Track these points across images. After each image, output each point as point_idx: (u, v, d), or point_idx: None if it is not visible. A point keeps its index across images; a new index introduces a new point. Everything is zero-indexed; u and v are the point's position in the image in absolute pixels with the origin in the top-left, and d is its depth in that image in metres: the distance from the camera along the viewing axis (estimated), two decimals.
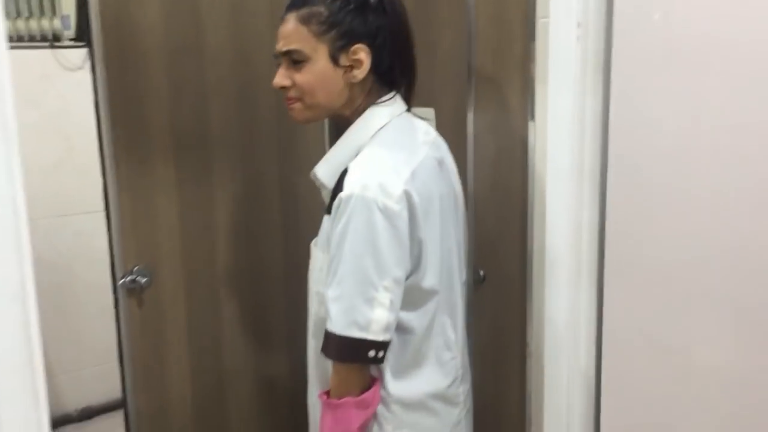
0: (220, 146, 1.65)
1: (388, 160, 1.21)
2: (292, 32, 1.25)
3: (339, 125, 1.31)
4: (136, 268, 1.53)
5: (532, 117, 1.27)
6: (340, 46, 1.23)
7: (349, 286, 1.18)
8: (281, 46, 1.26)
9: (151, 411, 1.63)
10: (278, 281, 1.79)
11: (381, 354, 1.19)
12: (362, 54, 1.23)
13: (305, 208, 1.79)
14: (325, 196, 1.30)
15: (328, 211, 1.24)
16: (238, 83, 1.66)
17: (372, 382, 1.24)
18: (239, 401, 1.78)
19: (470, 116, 1.47)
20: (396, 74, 1.28)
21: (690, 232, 1.01)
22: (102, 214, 1.51)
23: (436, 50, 1.61)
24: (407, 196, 1.16)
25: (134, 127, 1.52)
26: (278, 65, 1.29)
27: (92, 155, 1.51)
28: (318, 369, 1.32)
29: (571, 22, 1.15)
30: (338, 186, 1.21)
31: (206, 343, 1.68)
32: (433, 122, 2.20)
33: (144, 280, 1.53)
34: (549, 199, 1.22)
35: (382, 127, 1.26)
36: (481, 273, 1.48)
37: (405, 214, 1.16)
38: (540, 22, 1.28)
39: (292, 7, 1.27)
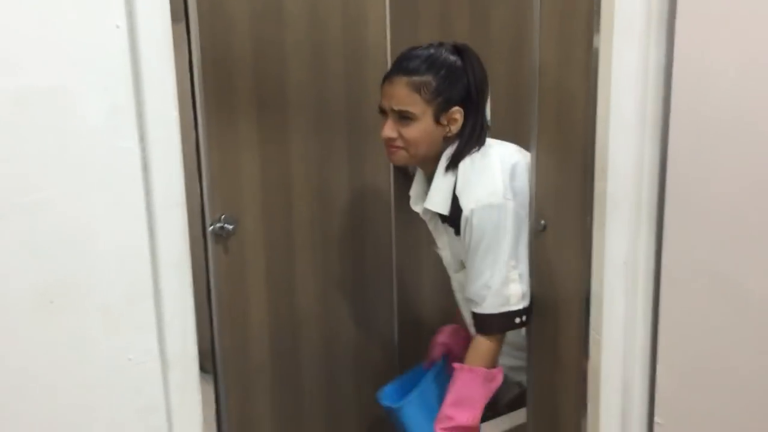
0: (296, 107, 1.78)
1: (484, 175, 1.54)
2: (404, 96, 1.50)
3: (419, 164, 1.62)
4: (223, 217, 1.67)
5: (596, 68, 1.36)
6: (442, 109, 1.52)
7: (491, 274, 1.51)
8: (393, 104, 1.51)
9: (234, 349, 1.78)
10: (346, 233, 1.92)
11: (525, 317, 1.56)
12: (458, 115, 1.53)
13: (371, 169, 1.92)
14: (432, 222, 1.65)
15: (457, 233, 1.56)
16: (311, 47, 1.78)
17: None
18: (310, 343, 1.92)
19: (535, 74, 1.57)
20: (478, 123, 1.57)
21: (748, 175, 1.10)
22: (194, 167, 1.65)
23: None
24: (512, 190, 1.53)
25: (222, 91, 1.66)
26: (383, 115, 1.55)
27: (187, 116, 1.64)
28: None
29: None
30: (454, 212, 1.54)
31: (282, 288, 1.82)
32: None
33: (231, 227, 1.67)
34: (611, 144, 1.31)
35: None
36: (542, 222, 1.58)
37: (511, 204, 1.52)
38: None
39: (402, 71, 1.52)
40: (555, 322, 1.63)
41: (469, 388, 1.55)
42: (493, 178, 1.54)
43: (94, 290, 0.78)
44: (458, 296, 1.73)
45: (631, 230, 1.29)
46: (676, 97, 1.18)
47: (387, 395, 1.72)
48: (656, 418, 1.28)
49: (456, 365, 1.57)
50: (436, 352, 1.79)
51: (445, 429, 1.52)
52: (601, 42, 1.36)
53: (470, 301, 1.57)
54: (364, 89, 1.85)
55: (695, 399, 1.21)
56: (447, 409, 1.53)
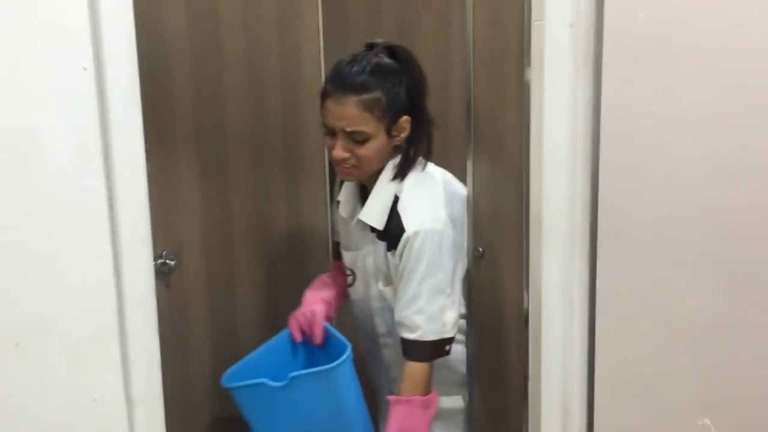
0: (235, 142, 1.80)
1: (429, 198, 1.52)
2: (356, 117, 1.43)
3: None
4: (164, 253, 1.66)
5: (528, 102, 1.44)
6: (392, 121, 1.47)
7: (426, 300, 1.48)
8: (345, 126, 1.44)
9: (175, 387, 1.75)
10: (287, 267, 1.94)
11: (448, 347, 1.54)
12: (406, 123, 1.50)
13: (309, 200, 1.95)
14: (361, 232, 1.58)
15: (389, 245, 1.52)
16: (249, 84, 1.81)
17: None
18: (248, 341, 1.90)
19: (471, 106, 1.64)
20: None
21: (674, 202, 1.18)
22: None
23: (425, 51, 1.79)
24: (450, 218, 1.51)
25: (162, 127, 1.66)
26: (329, 135, 1.48)
27: None
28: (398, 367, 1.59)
29: (564, 22, 1.33)
30: (391, 226, 1.50)
31: (224, 323, 1.82)
32: None
33: (172, 263, 1.66)
34: (545, 175, 1.38)
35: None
36: (480, 249, 1.64)
37: (451, 232, 1.51)
38: (534, 25, 1.45)
39: (350, 90, 1.43)
40: (494, 344, 1.69)
41: (410, 419, 1.51)
42: (437, 203, 1.53)
43: (60, 330, 0.78)
44: (374, 304, 1.65)
45: (566, 256, 1.36)
46: (605, 130, 1.27)
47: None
48: None
49: (391, 398, 1.52)
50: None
51: None
52: (533, 76, 1.43)
53: (401, 325, 1.53)
54: (300, 122, 1.90)
55: (634, 416, 1.29)
56: None
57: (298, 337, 1.62)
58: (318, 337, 1.59)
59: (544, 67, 1.38)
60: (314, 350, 1.63)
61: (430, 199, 1.53)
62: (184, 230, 1.71)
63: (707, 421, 1.19)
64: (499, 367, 1.69)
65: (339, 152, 1.46)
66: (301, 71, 1.89)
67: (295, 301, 1.96)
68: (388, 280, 1.58)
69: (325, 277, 1.74)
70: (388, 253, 1.54)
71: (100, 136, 0.78)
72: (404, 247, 1.48)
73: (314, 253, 1.98)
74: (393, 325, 1.59)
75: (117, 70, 0.78)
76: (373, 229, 1.56)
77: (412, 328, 1.50)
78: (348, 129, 1.44)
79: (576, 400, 1.41)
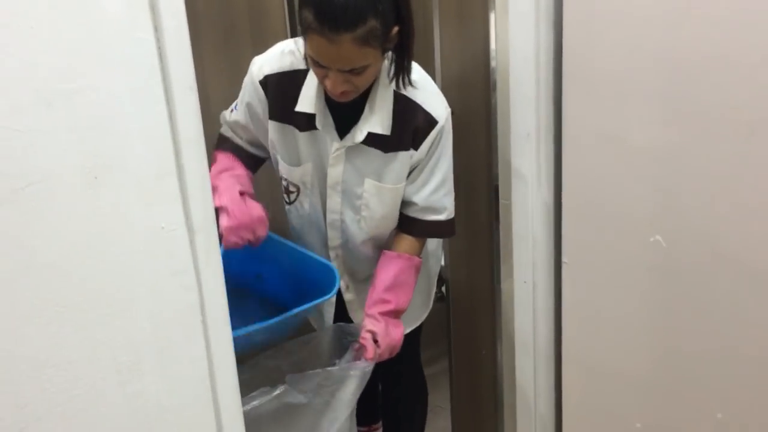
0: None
1: (431, 83, 1.56)
2: (355, 55, 1.32)
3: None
4: None
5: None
6: (385, 38, 1.38)
7: (451, 181, 1.59)
8: (343, 65, 1.33)
9: None
10: None
11: None
12: (396, 34, 1.42)
13: None
14: (323, 145, 1.55)
15: (394, 147, 1.52)
16: None
17: None
18: None
19: (436, 24, 1.70)
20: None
21: (629, 44, 1.32)
22: None
23: None
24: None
25: None
26: (319, 67, 1.36)
27: None
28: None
29: None
30: (404, 125, 1.50)
31: None
32: None
33: None
34: (511, 33, 1.50)
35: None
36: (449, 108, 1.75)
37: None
38: None
39: (343, 28, 1.28)
40: (465, 196, 1.84)
41: (406, 274, 1.61)
42: (436, 86, 1.61)
43: (129, 167, 0.87)
44: (332, 217, 1.65)
45: (533, 103, 1.51)
46: None
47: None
48: (564, 259, 1.54)
49: (389, 253, 1.62)
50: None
51: (383, 313, 1.58)
52: None
53: (428, 209, 1.60)
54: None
55: (596, 238, 1.47)
56: (382, 293, 1.59)
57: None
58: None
59: None
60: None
61: (433, 84, 1.58)
62: None
63: (658, 237, 1.38)
64: (471, 218, 1.85)
65: (336, 87, 1.38)
66: None
67: None
68: (380, 179, 1.57)
69: (232, 178, 1.57)
70: (401, 153, 1.53)
71: None
72: (437, 135, 1.53)
73: None
74: (349, 235, 1.66)
75: None
76: (369, 143, 1.52)
77: (440, 210, 1.61)
78: (347, 68, 1.35)
79: (543, 234, 1.58)
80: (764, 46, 1.14)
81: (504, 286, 1.71)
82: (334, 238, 1.68)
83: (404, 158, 1.53)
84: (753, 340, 1.25)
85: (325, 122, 1.53)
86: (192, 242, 0.94)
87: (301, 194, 1.63)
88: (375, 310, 1.58)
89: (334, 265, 1.65)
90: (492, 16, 1.55)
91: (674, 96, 1.29)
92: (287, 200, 1.68)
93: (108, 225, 0.86)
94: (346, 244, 1.69)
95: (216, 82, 1.89)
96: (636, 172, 1.38)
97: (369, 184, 1.55)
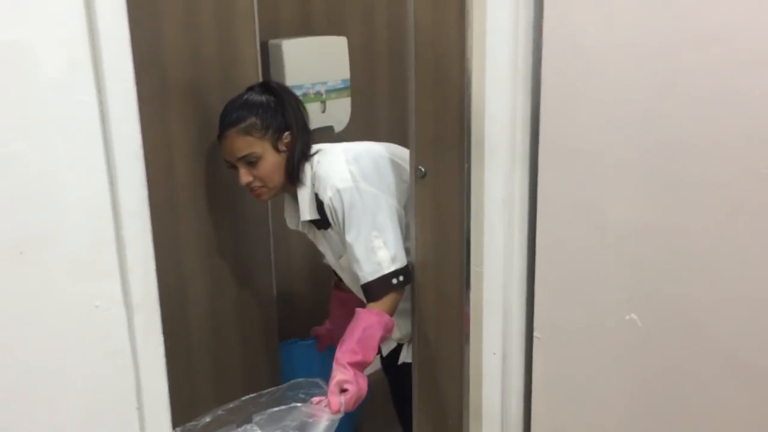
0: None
1: (332, 168, 1.73)
2: (241, 143, 1.70)
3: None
4: None
5: (469, 28, 1.50)
6: (276, 139, 1.73)
7: (358, 249, 1.69)
8: (236, 154, 1.71)
9: None
10: (226, 193, 1.97)
11: (402, 277, 1.73)
12: (289, 138, 1.75)
13: None
14: (311, 233, 1.86)
15: (326, 226, 1.77)
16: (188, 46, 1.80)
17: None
18: (197, 301, 1.95)
19: (411, 82, 1.68)
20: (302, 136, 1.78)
21: (609, 118, 1.27)
22: None
23: None
24: (359, 173, 1.71)
25: None
26: (231, 167, 1.74)
27: None
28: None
29: None
30: (321, 210, 1.73)
31: (168, 251, 1.83)
32: (345, 49, 2.39)
33: None
34: (488, 93, 1.45)
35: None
36: (422, 169, 1.71)
37: (361, 184, 1.71)
38: None
39: (229, 126, 1.71)
40: (436, 261, 1.78)
41: (374, 329, 1.68)
42: (340, 168, 1.73)
43: (61, 240, 0.80)
44: (344, 276, 1.91)
45: (508, 172, 1.45)
46: (546, 50, 1.34)
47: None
48: (535, 333, 1.47)
49: (360, 310, 1.70)
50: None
51: (352, 363, 1.61)
52: (474, 2, 1.50)
53: (356, 276, 1.74)
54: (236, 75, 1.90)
55: (569, 314, 1.41)
56: (353, 344, 1.64)
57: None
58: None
59: None
60: None
61: (330, 169, 1.73)
62: None
63: (634, 316, 1.32)
64: (441, 283, 1.79)
65: (243, 178, 1.72)
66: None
67: (236, 223, 2.00)
68: (340, 255, 1.83)
69: None
70: (331, 235, 1.80)
71: (90, 50, 0.79)
72: (330, 213, 1.72)
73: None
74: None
75: None
76: (317, 225, 1.80)
77: (358, 275, 1.72)
78: (239, 155, 1.70)
79: (515, 306, 1.52)
80: (749, 126, 1.10)
81: (472, 355, 1.64)
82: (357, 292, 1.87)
83: (334, 233, 1.79)
84: (733, 427, 1.19)
85: (293, 223, 1.91)
86: (130, 321, 0.86)
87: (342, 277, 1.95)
88: (346, 360, 1.62)
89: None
90: (468, 79, 1.52)
91: (655, 171, 1.24)
92: (339, 281, 2.01)
93: (34, 304, 0.78)
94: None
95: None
96: (613, 247, 1.32)
97: (335, 263, 1.88)
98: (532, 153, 1.44)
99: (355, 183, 1.71)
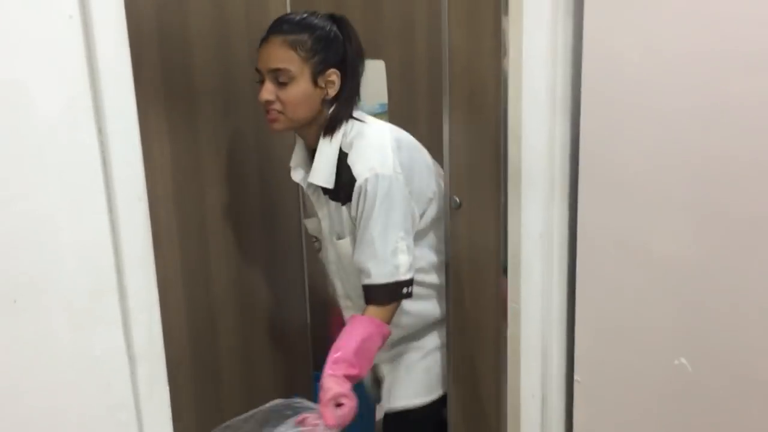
0: (203, 96, 1.76)
1: (376, 146, 1.55)
2: (281, 54, 1.49)
3: (300, 132, 1.62)
4: None
5: (505, 54, 1.44)
6: (319, 70, 1.51)
7: (379, 244, 1.51)
8: (270, 64, 1.49)
9: None
10: (257, 218, 1.93)
11: (410, 289, 1.57)
12: (335, 77, 1.54)
13: (279, 152, 1.93)
14: (315, 194, 1.63)
15: (342, 200, 1.56)
16: (216, 34, 1.77)
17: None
18: (227, 329, 1.91)
19: (446, 56, 1.62)
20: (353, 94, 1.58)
21: (652, 146, 1.20)
22: None
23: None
24: (400, 165, 1.54)
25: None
26: (260, 81, 1.51)
27: None
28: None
29: None
30: (342, 182, 1.54)
31: (197, 277, 1.80)
32: (384, 72, 2.35)
33: None
34: (524, 123, 1.39)
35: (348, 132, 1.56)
36: (457, 200, 1.65)
37: (401, 177, 1.55)
38: None
39: (277, 31, 1.50)
40: (473, 295, 1.71)
41: (373, 341, 1.53)
42: (384, 150, 1.56)
43: (58, 287, 0.76)
44: (332, 267, 1.71)
45: (546, 204, 1.38)
46: (586, 76, 1.27)
47: None
48: (576, 376, 1.38)
49: (358, 317, 1.55)
50: None
51: (348, 376, 1.47)
52: (510, 25, 1.43)
53: (360, 271, 1.56)
54: None
55: (612, 356, 1.32)
56: (350, 355, 1.48)
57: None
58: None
59: (522, 10, 1.37)
60: None
61: (376, 147, 1.55)
62: (156, 186, 1.67)
63: (683, 360, 1.23)
64: (477, 317, 1.72)
65: (264, 94, 1.50)
66: (268, 20, 1.85)
67: (266, 255, 1.96)
68: (338, 236, 1.63)
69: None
70: (344, 208, 1.58)
71: (89, 88, 0.75)
72: (358, 195, 1.52)
73: (285, 204, 1.98)
74: (349, 287, 1.68)
75: (103, 17, 0.74)
76: (325, 191, 1.60)
77: (367, 273, 1.54)
78: (272, 66, 1.49)
79: (555, 346, 1.44)
80: None
81: (510, 397, 1.56)
82: (339, 288, 1.72)
83: (345, 213, 1.58)
84: None
85: (298, 175, 1.65)
86: (133, 372, 0.81)
87: (322, 244, 1.71)
88: (341, 372, 1.47)
89: (346, 316, 1.71)
90: (505, 106, 1.45)
91: (703, 204, 1.15)
92: (317, 249, 1.77)
93: (29, 355, 0.74)
94: (349, 294, 1.71)
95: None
96: (659, 285, 1.24)
97: (329, 237, 1.66)
98: (572, 184, 1.36)
99: (395, 174, 1.54)
